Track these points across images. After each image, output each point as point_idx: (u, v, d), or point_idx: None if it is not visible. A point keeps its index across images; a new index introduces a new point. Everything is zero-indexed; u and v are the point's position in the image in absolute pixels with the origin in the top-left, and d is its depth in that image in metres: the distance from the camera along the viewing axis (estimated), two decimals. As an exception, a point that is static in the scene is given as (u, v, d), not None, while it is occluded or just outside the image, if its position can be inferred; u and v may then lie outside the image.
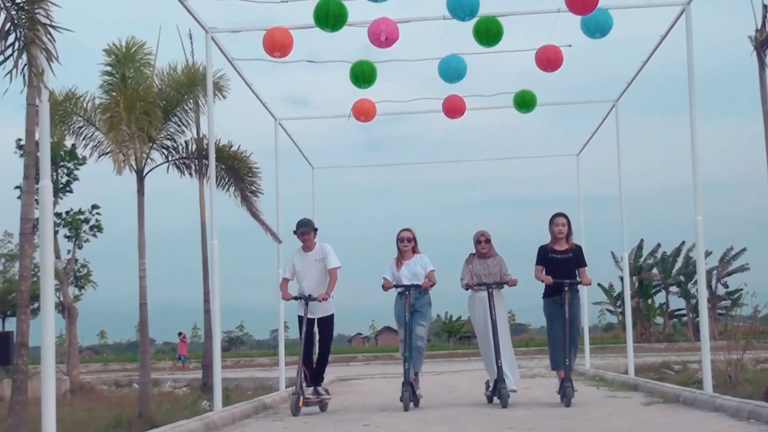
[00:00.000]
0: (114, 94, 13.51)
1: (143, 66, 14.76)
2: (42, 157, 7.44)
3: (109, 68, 14.30)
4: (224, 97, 17.14)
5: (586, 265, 11.91)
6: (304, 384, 11.62)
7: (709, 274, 46.28)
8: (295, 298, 12.06)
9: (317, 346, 12.61)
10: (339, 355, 42.15)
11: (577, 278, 11.75)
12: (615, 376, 16.15)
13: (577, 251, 11.87)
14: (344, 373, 25.67)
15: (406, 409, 11.35)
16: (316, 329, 12.21)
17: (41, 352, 7.33)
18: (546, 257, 11.78)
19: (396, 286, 12.05)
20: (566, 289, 11.44)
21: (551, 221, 11.84)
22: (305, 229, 12.07)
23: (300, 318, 12.04)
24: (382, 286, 12.11)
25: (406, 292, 11.84)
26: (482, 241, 12.29)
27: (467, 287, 12.19)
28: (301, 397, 11.44)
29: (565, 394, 11.18)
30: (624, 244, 16.66)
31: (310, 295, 11.78)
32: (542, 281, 11.66)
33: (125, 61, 14.25)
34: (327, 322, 12.23)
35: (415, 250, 12.28)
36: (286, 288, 12.25)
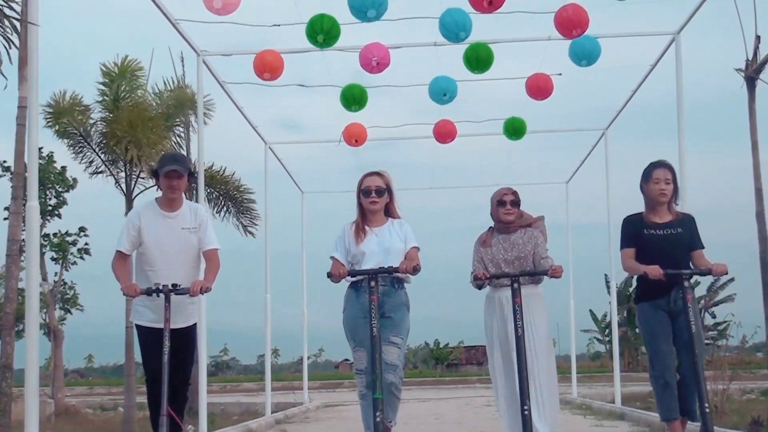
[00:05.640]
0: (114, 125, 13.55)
1: (137, 87, 14.87)
2: (30, 177, 7.41)
3: (103, 87, 14.46)
4: (205, 123, 17.32)
5: (703, 246, 7.41)
6: None
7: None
8: (148, 292, 6.87)
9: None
10: (325, 381, 42.02)
11: (692, 265, 7.26)
12: (602, 405, 16.11)
13: (687, 223, 7.39)
14: (330, 399, 25.56)
15: None
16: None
17: (25, 375, 7.27)
18: (638, 234, 7.38)
19: (353, 273, 7.11)
20: (686, 284, 6.92)
21: (647, 175, 7.40)
22: (176, 168, 7.12)
23: (144, 330, 7.19)
24: (329, 274, 7.06)
25: (371, 283, 6.78)
26: (507, 202, 7.64)
27: (478, 282, 7.37)
28: None
29: None
30: (612, 272, 16.64)
31: (175, 286, 6.84)
32: (640, 273, 7.15)
33: (119, 80, 14.37)
34: (187, 336, 7.33)
35: (390, 212, 7.50)
36: (126, 271, 7.18)
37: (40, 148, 19.54)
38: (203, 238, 7.20)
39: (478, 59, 11.05)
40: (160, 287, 6.82)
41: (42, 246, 21.42)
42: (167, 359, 6.72)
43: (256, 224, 18.44)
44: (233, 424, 13.41)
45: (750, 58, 10.99)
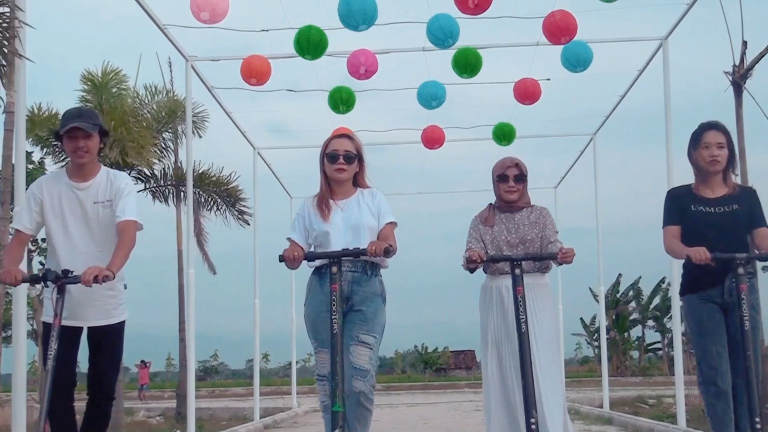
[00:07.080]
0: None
1: (121, 91, 14.94)
2: (17, 182, 7.40)
3: (84, 93, 14.54)
4: (200, 136, 17.47)
5: (766, 224, 6.04)
6: None
7: (685, 309, 46.49)
8: (34, 280, 5.53)
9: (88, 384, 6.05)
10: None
11: (754, 248, 5.96)
12: (590, 410, 16.16)
13: (747, 197, 6.11)
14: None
15: None
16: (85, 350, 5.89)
17: (12, 380, 7.27)
18: (684, 210, 6.09)
19: (310, 257, 5.69)
20: (741, 271, 5.57)
21: (696, 140, 6.19)
22: (79, 125, 5.50)
23: (48, 327, 5.33)
24: (281, 257, 5.61)
25: (332, 269, 5.35)
26: (510, 177, 6.37)
27: (471, 264, 5.88)
28: None
29: None
30: (600, 277, 16.68)
31: (66, 272, 5.20)
32: (683, 257, 5.81)
33: (101, 89, 14.43)
34: (108, 338, 5.83)
35: (360, 182, 6.11)
36: (14, 254, 5.64)
37: (30, 153, 19.59)
38: (116, 209, 5.59)
39: (467, 64, 11.07)
40: (50, 276, 5.20)
41: (30, 251, 21.39)
42: (52, 365, 5.21)
43: (248, 213, 18.54)
44: (222, 429, 13.40)
45: (737, 64, 11.04)
